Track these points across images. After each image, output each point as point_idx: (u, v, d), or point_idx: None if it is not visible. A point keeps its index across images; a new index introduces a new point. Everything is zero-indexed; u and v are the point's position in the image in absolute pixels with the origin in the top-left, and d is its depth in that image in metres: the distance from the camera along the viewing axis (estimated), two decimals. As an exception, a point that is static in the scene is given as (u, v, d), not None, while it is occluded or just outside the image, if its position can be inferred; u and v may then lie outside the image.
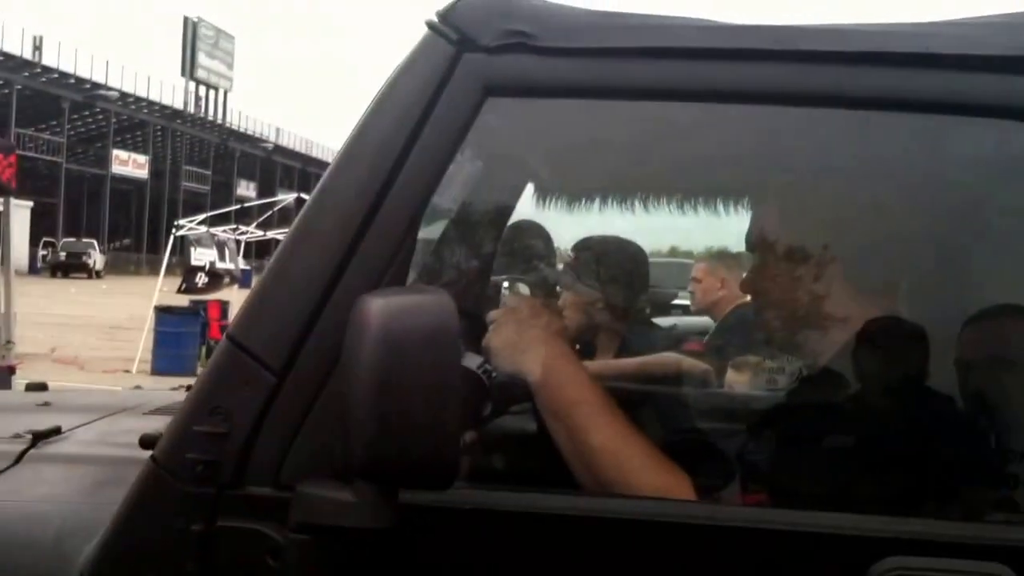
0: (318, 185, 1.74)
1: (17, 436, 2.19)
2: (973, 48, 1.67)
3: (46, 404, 2.80)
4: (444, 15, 1.72)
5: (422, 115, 1.68)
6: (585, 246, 3.33)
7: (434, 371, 1.42)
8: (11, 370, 8.80)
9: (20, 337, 17.33)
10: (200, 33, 73.82)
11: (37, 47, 54.94)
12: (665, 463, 1.80)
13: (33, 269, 52.21)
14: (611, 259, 3.28)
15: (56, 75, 55.38)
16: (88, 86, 57.27)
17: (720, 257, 5.15)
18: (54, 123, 59.28)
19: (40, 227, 56.00)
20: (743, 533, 1.63)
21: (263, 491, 1.63)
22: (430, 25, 1.72)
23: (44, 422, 2.30)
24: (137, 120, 67.01)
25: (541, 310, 1.98)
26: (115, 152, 64.39)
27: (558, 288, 3.40)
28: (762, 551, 1.62)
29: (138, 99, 64.08)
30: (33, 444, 2.16)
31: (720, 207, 2.41)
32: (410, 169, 1.68)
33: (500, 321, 1.94)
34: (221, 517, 1.62)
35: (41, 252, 54.47)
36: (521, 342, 1.90)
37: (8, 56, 51.56)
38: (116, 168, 64.37)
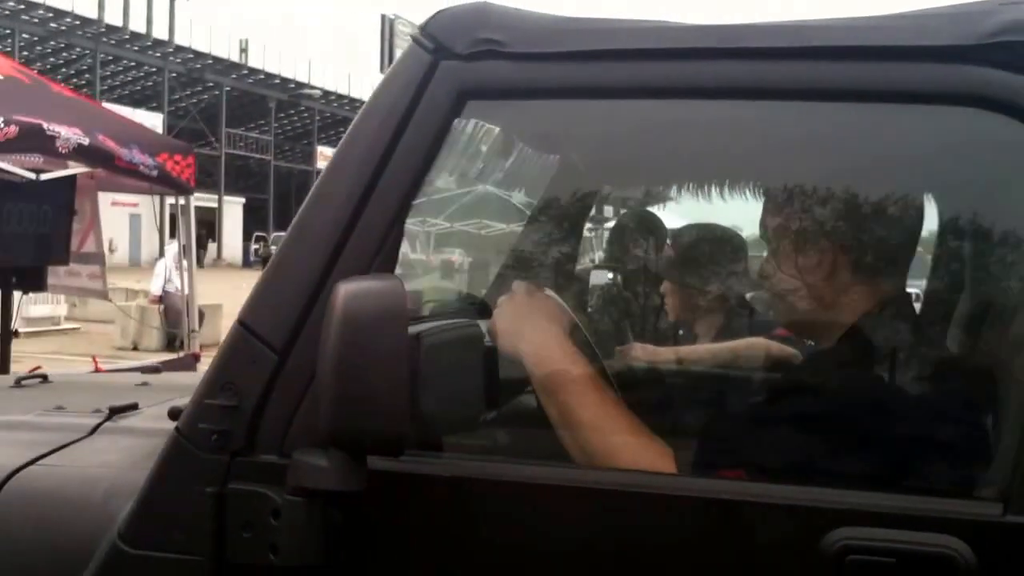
0: (316, 182, 1.92)
1: (97, 411, 2.46)
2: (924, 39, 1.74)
3: (144, 384, 3.10)
4: (424, 26, 1.89)
5: (403, 118, 1.85)
6: (684, 234, 3.42)
7: (382, 349, 1.59)
8: (196, 357, 9.30)
9: (229, 327, 18.21)
10: (397, 30, 75.24)
11: (243, 50, 57.13)
12: (648, 439, 1.91)
13: (247, 262, 54.17)
14: (708, 247, 3.35)
15: (262, 76, 57.41)
16: (292, 85, 59.20)
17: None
18: (262, 122, 61.50)
19: (252, 222, 58.20)
20: (705, 504, 1.73)
21: (269, 458, 1.82)
22: (412, 36, 1.89)
23: (130, 399, 2.57)
24: (340, 117, 68.88)
25: (537, 295, 2.11)
26: (320, 148, 66.36)
27: (660, 275, 3.51)
28: (721, 521, 1.71)
29: (340, 96, 65.77)
30: (108, 418, 2.42)
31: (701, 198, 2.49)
32: (394, 167, 1.85)
33: (501, 306, 2.09)
34: (233, 481, 1.82)
35: (253, 246, 56.51)
36: (517, 325, 2.03)
37: (217, 59, 53.76)
38: (321, 164, 66.30)
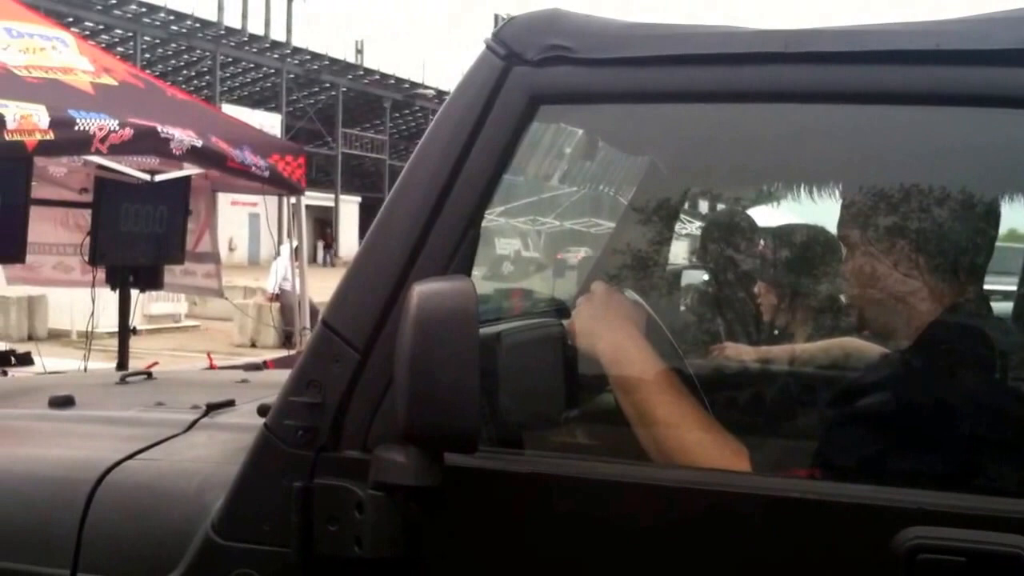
0: (394, 186, 1.97)
1: (195, 407, 2.56)
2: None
3: (244, 381, 3.20)
4: (497, 34, 1.94)
5: (477, 123, 1.90)
6: (776, 234, 3.42)
7: (453, 348, 1.64)
8: (307, 356, 9.45)
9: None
10: (510, 28, 75.32)
11: (359, 51, 57.80)
12: (723, 437, 1.94)
13: (362, 260, 54.51)
14: (800, 247, 3.35)
15: (377, 76, 57.96)
16: (407, 85, 59.68)
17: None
18: (377, 122, 62.13)
19: (368, 221, 58.64)
20: (778, 502, 1.74)
21: (353, 454, 1.87)
22: (485, 43, 1.94)
23: (228, 396, 2.67)
24: (455, 116, 68.79)
25: (614, 295, 2.14)
26: (434, 147, 66.43)
27: (754, 275, 3.51)
28: (794, 519, 1.72)
29: (453, 96, 65.86)
30: (205, 414, 2.52)
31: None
32: (469, 171, 1.90)
33: (579, 306, 2.12)
34: (318, 476, 1.88)
35: (368, 244, 56.78)
36: (595, 325, 2.07)
37: (333, 60, 54.44)
38: (435, 162, 66.33)
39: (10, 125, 5.70)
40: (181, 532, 1.99)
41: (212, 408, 2.55)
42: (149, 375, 3.40)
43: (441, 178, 1.90)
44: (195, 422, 2.47)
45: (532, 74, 1.90)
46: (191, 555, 1.96)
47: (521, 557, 1.84)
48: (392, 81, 59.03)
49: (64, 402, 2.72)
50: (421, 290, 1.68)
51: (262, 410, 2.13)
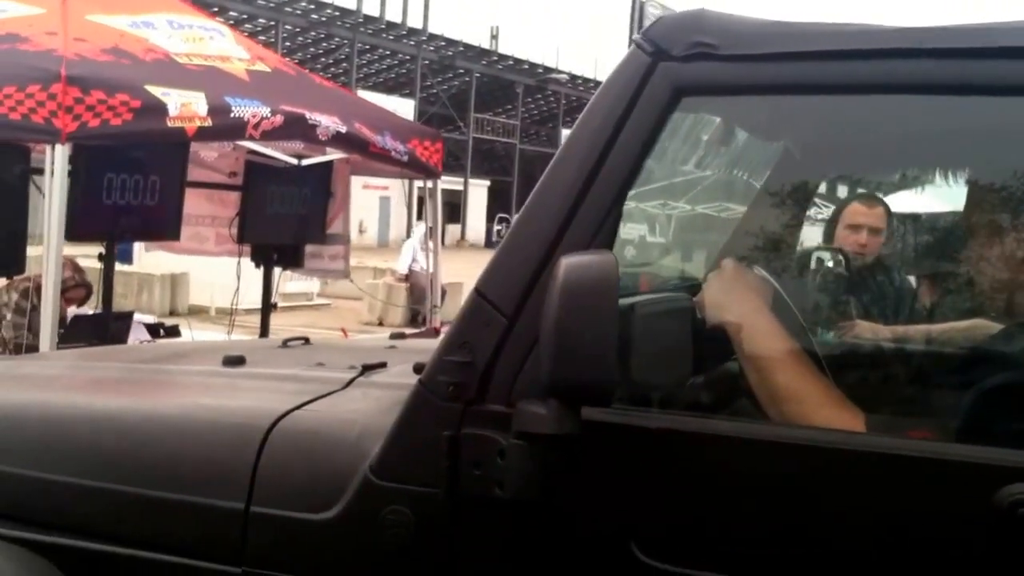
0: (546, 169, 2.17)
1: (352, 367, 2.81)
2: None
3: (392, 347, 3.46)
4: (645, 32, 2.14)
5: (624, 113, 2.10)
6: (912, 219, 3.53)
7: (595, 313, 1.84)
8: (436, 332, 9.72)
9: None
10: (647, 13, 74.68)
11: (494, 36, 58.00)
12: (840, 401, 2.10)
13: (489, 243, 54.80)
14: (934, 231, 3.45)
15: (511, 62, 58.17)
16: (540, 71, 59.71)
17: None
18: (509, 107, 62.30)
19: (496, 204, 59.19)
20: (890, 459, 1.89)
21: (497, 407, 2.09)
22: (634, 41, 2.13)
23: (380, 359, 2.93)
24: (585, 101, 68.18)
25: (743, 271, 2.31)
26: (564, 132, 66.49)
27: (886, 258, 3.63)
28: (904, 475, 1.88)
29: (586, 80, 65.61)
30: (361, 374, 2.77)
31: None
32: (615, 157, 2.10)
33: (709, 281, 2.30)
34: (466, 426, 2.10)
35: (496, 227, 57.23)
36: (724, 298, 2.25)
37: (468, 46, 54.77)
38: (565, 149, 66.27)
39: (172, 112, 6.07)
40: (342, 473, 2.24)
41: (367, 368, 2.80)
42: (307, 341, 3.69)
43: (590, 162, 2.10)
44: (352, 380, 2.72)
45: (677, 69, 2.09)
46: (351, 493, 2.21)
47: (646, 504, 2.03)
48: (526, 66, 59.08)
49: (237, 361, 3.00)
50: (568, 262, 1.89)
51: (417, 368, 2.36)
